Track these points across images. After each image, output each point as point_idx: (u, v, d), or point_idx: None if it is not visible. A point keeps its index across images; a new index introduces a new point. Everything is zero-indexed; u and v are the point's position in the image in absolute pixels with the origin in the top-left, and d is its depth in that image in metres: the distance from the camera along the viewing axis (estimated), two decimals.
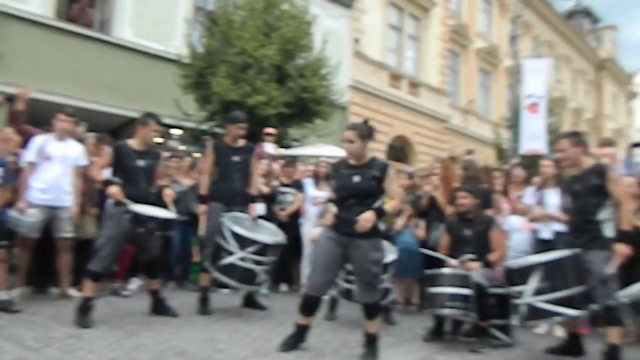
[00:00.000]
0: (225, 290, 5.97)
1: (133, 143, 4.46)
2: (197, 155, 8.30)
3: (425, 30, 18.49)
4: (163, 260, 5.64)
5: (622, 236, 3.60)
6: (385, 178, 3.49)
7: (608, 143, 6.18)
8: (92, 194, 5.36)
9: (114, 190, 4.16)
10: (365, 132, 3.54)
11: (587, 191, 3.70)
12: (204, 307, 4.81)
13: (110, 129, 10.37)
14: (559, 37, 27.41)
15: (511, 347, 4.22)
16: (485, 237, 4.39)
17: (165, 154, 6.71)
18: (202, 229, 4.87)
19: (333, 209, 3.59)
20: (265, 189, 6.40)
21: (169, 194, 4.54)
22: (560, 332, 4.62)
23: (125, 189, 4.22)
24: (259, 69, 8.98)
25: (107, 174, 4.46)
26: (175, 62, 9.99)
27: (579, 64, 29.71)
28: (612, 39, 35.47)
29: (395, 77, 17.20)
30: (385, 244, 4.87)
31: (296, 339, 3.68)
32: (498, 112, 21.75)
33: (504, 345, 4.23)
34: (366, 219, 3.32)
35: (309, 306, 3.65)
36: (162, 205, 4.46)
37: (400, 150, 17.55)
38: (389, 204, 3.54)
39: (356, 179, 3.49)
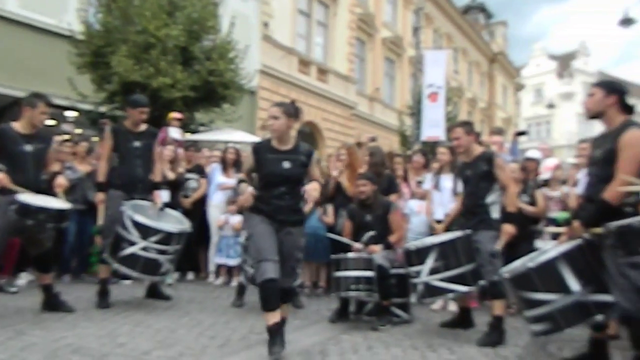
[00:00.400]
0: (127, 282, 5.73)
1: (18, 126, 4.09)
2: (95, 139, 7.81)
3: (334, 18, 18.72)
4: (57, 252, 5.28)
5: (508, 217, 3.94)
6: (311, 163, 3.41)
7: (498, 131, 6.74)
8: None
9: (0, 176, 3.80)
10: (292, 110, 3.39)
11: (477, 177, 4.01)
12: (103, 301, 4.57)
13: None
14: (457, 30, 29.08)
15: (410, 323, 4.49)
16: (385, 220, 4.61)
17: (58, 138, 6.26)
18: (100, 218, 4.61)
19: (250, 189, 3.34)
20: (171, 175, 6.18)
21: (60, 183, 4.22)
22: (453, 307, 5.00)
23: (12, 177, 3.87)
24: (162, 50, 8.55)
25: None
26: (69, 38, 9.22)
27: (474, 57, 31.78)
28: (503, 34, 38.31)
29: (305, 63, 17.28)
30: None
31: (275, 342, 3.14)
32: (402, 100, 22.70)
33: (404, 321, 4.49)
34: (314, 187, 3.28)
35: (272, 294, 3.16)
36: (54, 193, 4.15)
37: (309, 136, 17.73)
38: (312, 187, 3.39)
39: (286, 165, 3.32)
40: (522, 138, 7.24)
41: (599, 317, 2.98)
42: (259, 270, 3.20)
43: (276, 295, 3.18)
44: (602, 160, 3.06)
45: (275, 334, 3.15)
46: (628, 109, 3.10)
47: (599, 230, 2.93)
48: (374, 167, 5.42)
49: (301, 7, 17.42)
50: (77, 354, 3.16)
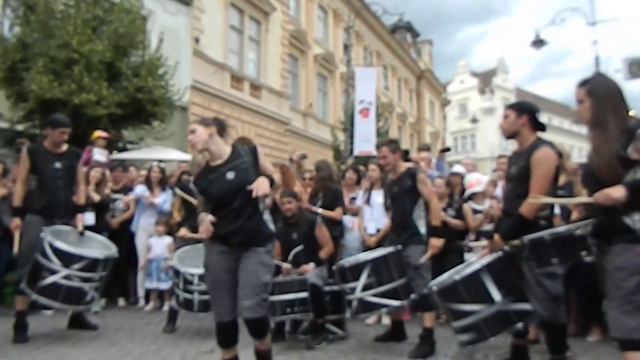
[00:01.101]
0: (48, 312, 5.38)
1: None
2: (10, 160, 7.32)
3: (266, 34, 18.79)
4: None
5: (434, 231, 4.10)
6: (259, 158, 3.08)
7: (425, 148, 7.02)
8: None
9: None
10: (209, 121, 3.10)
11: (403, 193, 4.16)
12: (21, 335, 4.26)
13: None
14: (386, 47, 30.10)
15: (345, 339, 4.53)
16: (312, 236, 4.64)
17: None
18: (16, 246, 4.30)
19: (209, 217, 2.95)
20: (97, 197, 5.91)
21: None
22: (387, 320, 5.10)
23: None
24: (86, 65, 8.21)
25: None
26: None
27: (403, 73, 33.00)
28: (429, 52, 40.11)
29: (237, 79, 17.17)
30: None
31: None
32: (335, 115, 23.08)
33: (339, 338, 4.52)
34: (262, 181, 2.88)
35: (226, 334, 3.05)
36: None
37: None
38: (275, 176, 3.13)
39: (230, 176, 2.94)
40: (446, 154, 7.63)
41: (519, 325, 3.16)
42: (213, 309, 3.11)
43: (230, 335, 3.03)
44: (517, 177, 3.27)
45: None
46: (540, 126, 3.34)
47: (516, 242, 3.12)
48: (320, 181, 5.49)
49: (233, 22, 17.35)
50: None
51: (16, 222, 4.36)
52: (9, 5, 10.00)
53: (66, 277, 4.03)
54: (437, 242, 4.04)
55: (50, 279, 4.01)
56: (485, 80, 49.75)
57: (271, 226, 3.09)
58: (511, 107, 3.44)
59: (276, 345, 4.26)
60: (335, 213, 5.47)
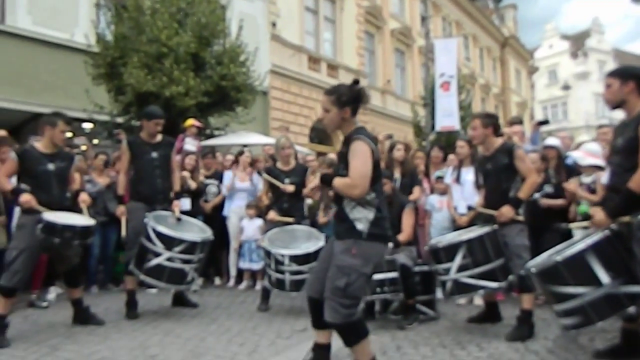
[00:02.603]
0: (152, 291, 5.80)
1: (40, 146, 4.15)
2: (111, 151, 7.91)
3: (341, 13, 18.62)
4: (83, 265, 5.38)
5: (515, 201, 3.85)
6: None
7: (518, 121, 6.63)
8: None
9: (27, 198, 3.88)
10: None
11: (498, 170, 3.96)
12: (132, 311, 4.65)
13: (12, 126, 9.54)
14: (466, 16, 28.69)
15: (437, 320, 4.47)
16: (399, 219, 4.58)
17: (77, 150, 6.38)
18: (124, 230, 4.67)
19: None
20: (194, 185, 6.28)
21: (84, 199, 4.29)
22: (479, 301, 4.96)
23: (36, 196, 3.95)
24: (174, 58, 8.62)
25: (13, 181, 4.13)
26: (82, 51, 9.35)
27: (485, 42, 31.35)
28: (513, 17, 37.73)
29: (314, 60, 17.24)
30: (313, 231, 4.99)
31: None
32: (414, 90, 22.52)
33: (430, 319, 4.48)
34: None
35: (311, 311, 3.03)
36: (79, 210, 4.22)
37: (323, 133, 17.72)
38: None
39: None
40: (543, 127, 7.03)
41: (631, 309, 2.93)
42: None
43: (316, 314, 2.96)
44: (624, 149, 3.00)
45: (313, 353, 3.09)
46: None
47: (626, 219, 2.88)
48: (399, 162, 5.44)
49: (308, 4, 17.36)
50: None
51: (121, 209, 4.73)
52: (105, 6, 10.72)
53: (169, 259, 4.32)
54: (509, 212, 3.80)
55: (155, 261, 4.32)
56: (578, 42, 45.97)
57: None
58: (613, 74, 3.14)
59: (367, 325, 4.31)
60: (415, 194, 5.39)
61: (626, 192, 2.91)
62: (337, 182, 2.76)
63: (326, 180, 2.84)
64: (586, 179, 4.84)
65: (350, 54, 18.94)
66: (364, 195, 2.69)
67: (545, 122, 6.82)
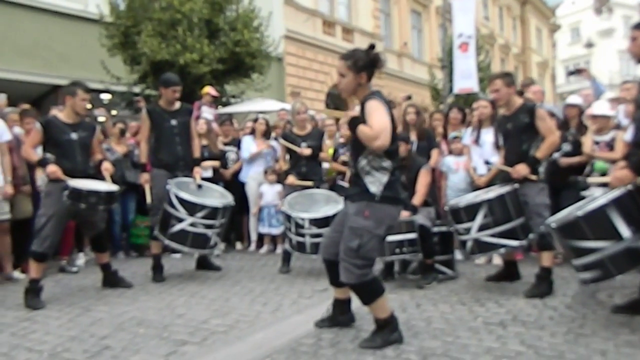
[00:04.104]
0: (177, 255, 5.96)
1: (63, 115, 4.23)
2: (129, 120, 8.00)
3: None
4: (108, 231, 5.54)
5: (531, 159, 3.81)
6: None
7: (531, 82, 6.48)
8: (22, 170, 5.10)
9: (54, 169, 3.99)
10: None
11: (519, 129, 3.91)
12: (158, 275, 4.80)
13: (32, 99, 9.70)
14: None
15: (455, 280, 4.53)
16: (414, 182, 4.56)
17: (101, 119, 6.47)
18: (148, 197, 4.78)
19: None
20: (216, 150, 6.37)
21: (107, 167, 4.39)
22: (497, 261, 5.00)
23: (61, 165, 4.05)
24: (188, 25, 8.58)
25: (39, 151, 4.24)
26: (97, 22, 9.35)
27: (504, 0, 30.37)
28: None
29: (329, 24, 16.96)
30: (332, 194, 5.04)
31: (332, 315, 3.26)
32: (431, 53, 22.06)
33: (449, 278, 4.54)
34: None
35: (327, 271, 3.17)
36: (102, 178, 4.32)
37: (339, 97, 17.58)
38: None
39: None
40: (559, 80, 6.77)
41: None
42: None
43: (332, 273, 3.07)
44: None
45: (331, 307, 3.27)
46: None
47: None
48: (420, 125, 5.42)
49: None
50: (142, 326, 3.36)
51: (145, 177, 4.83)
52: None
53: (192, 225, 4.42)
54: (524, 170, 3.77)
55: (178, 227, 4.43)
56: None
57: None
58: (639, 26, 3.05)
59: (386, 285, 4.36)
60: (433, 157, 5.39)
61: None
62: (362, 128, 2.72)
63: (354, 123, 2.79)
64: (604, 137, 4.77)
65: (366, 17, 18.57)
66: (385, 147, 2.67)
67: (576, 72, 6.53)
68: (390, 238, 4.13)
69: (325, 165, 5.85)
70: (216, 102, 8.93)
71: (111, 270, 4.55)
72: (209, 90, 7.72)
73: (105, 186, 4.18)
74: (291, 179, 5.17)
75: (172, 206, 4.43)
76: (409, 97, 6.37)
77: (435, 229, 4.54)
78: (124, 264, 5.50)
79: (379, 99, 2.76)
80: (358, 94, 2.90)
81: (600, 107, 4.87)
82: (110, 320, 3.50)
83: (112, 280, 4.52)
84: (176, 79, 4.88)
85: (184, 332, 3.21)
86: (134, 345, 2.99)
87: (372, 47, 2.87)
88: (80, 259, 5.59)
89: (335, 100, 17.02)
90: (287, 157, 5.43)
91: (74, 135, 4.16)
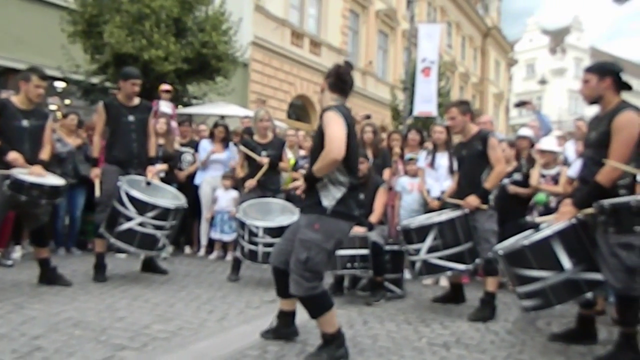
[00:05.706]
0: (122, 256, 5.76)
1: (17, 101, 4.03)
2: (83, 112, 7.72)
3: None
4: (51, 226, 5.29)
5: (482, 191, 3.94)
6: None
7: (479, 113, 6.72)
8: None
9: (15, 155, 3.80)
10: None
11: (473, 156, 4.04)
12: (100, 274, 4.61)
13: None
14: (451, 3, 28.68)
15: (403, 298, 4.59)
16: (372, 199, 4.63)
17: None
18: (97, 191, 4.60)
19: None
20: (171, 150, 6.20)
21: (96, 174, 4.40)
22: (444, 282, 5.11)
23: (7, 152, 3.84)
24: (156, 21, 8.40)
25: None
26: (58, 6, 9.01)
27: (468, 31, 31.48)
28: (497, 8, 37.89)
29: (298, 35, 17.03)
30: (288, 205, 5.02)
31: (275, 327, 3.23)
32: (395, 74, 22.52)
33: (397, 297, 4.59)
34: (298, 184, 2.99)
35: (275, 280, 3.16)
36: (51, 170, 4.13)
37: (301, 109, 17.63)
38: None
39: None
40: (513, 113, 7.06)
41: (589, 295, 3.07)
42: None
43: (277, 283, 3.14)
44: (597, 142, 3.09)
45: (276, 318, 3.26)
46: (625, 87, 3.12)
47: (590, 210, 2.99)
48: (375, 144, 5.48)
49: None
50: (78, 327, 3.20)
51: (96, 171, 4.65)
52: None
53: (141, 224, 4.28)
54: (474, 202, 3.90)
55: (126, 225, 4.28)
56: (557, 38, 46.63)
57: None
58: (591, 69, 3.21)
59: (335, 300, 4.38)
60: (386, 174, 5.48)
61: (593, 185, 3.01)
62: (316, 166, 2.77)
63: (309, 175, 2.83)
64: (551, 171, 5.00)
65: (334, 32, 18.78)
66: (340, 157, 2.68)
67: (521, 104, 6.80)
68: (343, 252, 4.15)
69: (285, 174, 5.82)
70: (177, 101, 8.76)
71: (50, 266, 4.33)
72: (162, 87, 7.61)
73: (51, 180, 3.99)
74: (251, 181, 5.06)
75: (122, 204, 4.27)
76: (367, 117, 6.48)
77: (387, 248, 4.59)
78: (64, 261, 5.25)
79: (334, 108, 2.81)
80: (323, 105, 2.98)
81: (548, 143, 5.11)
82: (44, 320, 3.32)
83: (50, 277, 4.30)
84: (137, 73, 4.76)
85: (123, 336, 3.09)
86: (68, 348, 2.84)
87: (348, 64, 2.98)
88: (17, 252, 5.30)
89: (297, 112, 17.06)
90: (245, 164, 5.36)
91: (25, 123, 3.97)
